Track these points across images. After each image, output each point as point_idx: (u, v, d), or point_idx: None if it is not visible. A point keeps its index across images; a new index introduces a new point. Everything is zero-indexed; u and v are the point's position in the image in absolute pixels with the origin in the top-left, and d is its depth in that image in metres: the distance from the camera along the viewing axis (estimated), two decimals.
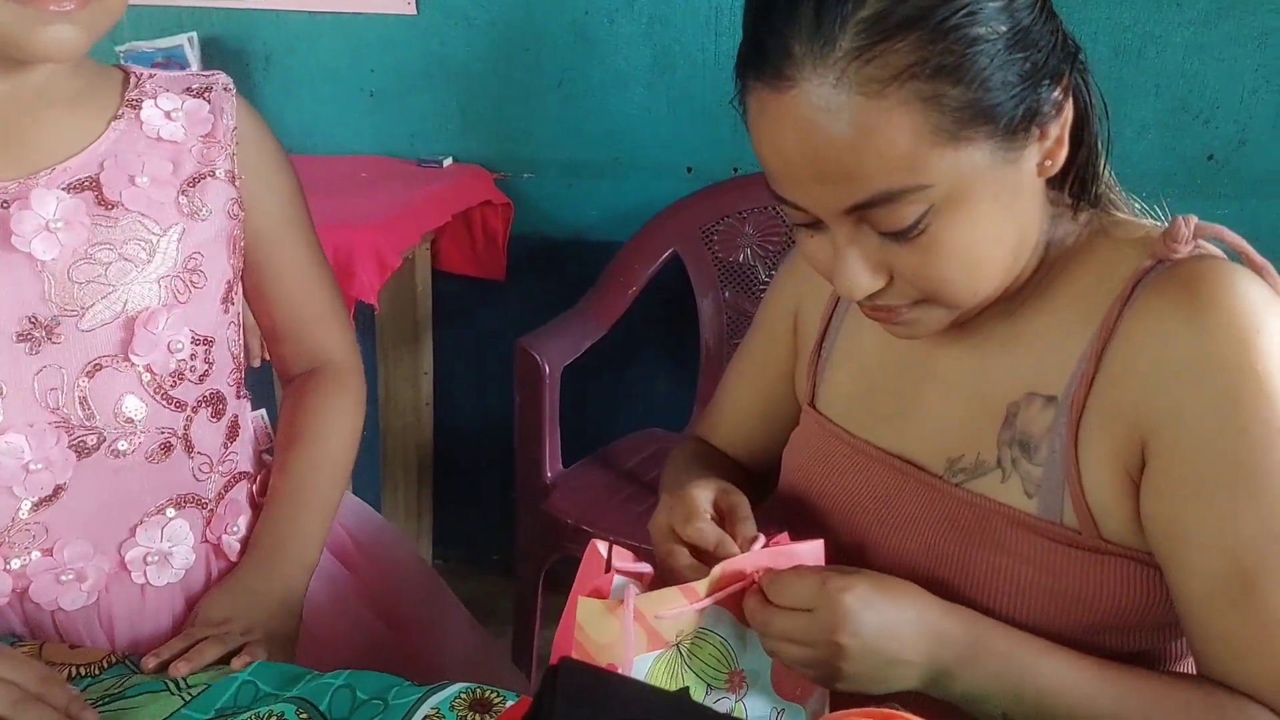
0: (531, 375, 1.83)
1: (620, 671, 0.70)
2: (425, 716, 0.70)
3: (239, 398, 0.95)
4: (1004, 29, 0.65)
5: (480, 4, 2.05)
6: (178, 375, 0.86)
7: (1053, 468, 0.74)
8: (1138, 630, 0.75)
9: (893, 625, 0.71)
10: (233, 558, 0.92)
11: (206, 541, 0.91)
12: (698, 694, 0.76)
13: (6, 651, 0.72)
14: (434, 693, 0.72)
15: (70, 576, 0.84)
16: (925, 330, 0.76)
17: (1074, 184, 0.77)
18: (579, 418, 1.99)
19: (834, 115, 0.65)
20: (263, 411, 1.02)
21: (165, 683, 0.74)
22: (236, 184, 0.90)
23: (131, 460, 0.85)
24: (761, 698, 0.78)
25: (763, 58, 0.67)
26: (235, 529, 0.93)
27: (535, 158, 2.13)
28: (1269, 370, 0.67)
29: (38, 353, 0.80)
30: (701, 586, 0.74)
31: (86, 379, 0.82)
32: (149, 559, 0.87)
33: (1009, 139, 0.67)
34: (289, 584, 0.88)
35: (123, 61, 2.15)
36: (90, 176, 0.83)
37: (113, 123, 0.86)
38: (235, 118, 0.90)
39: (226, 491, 0.93)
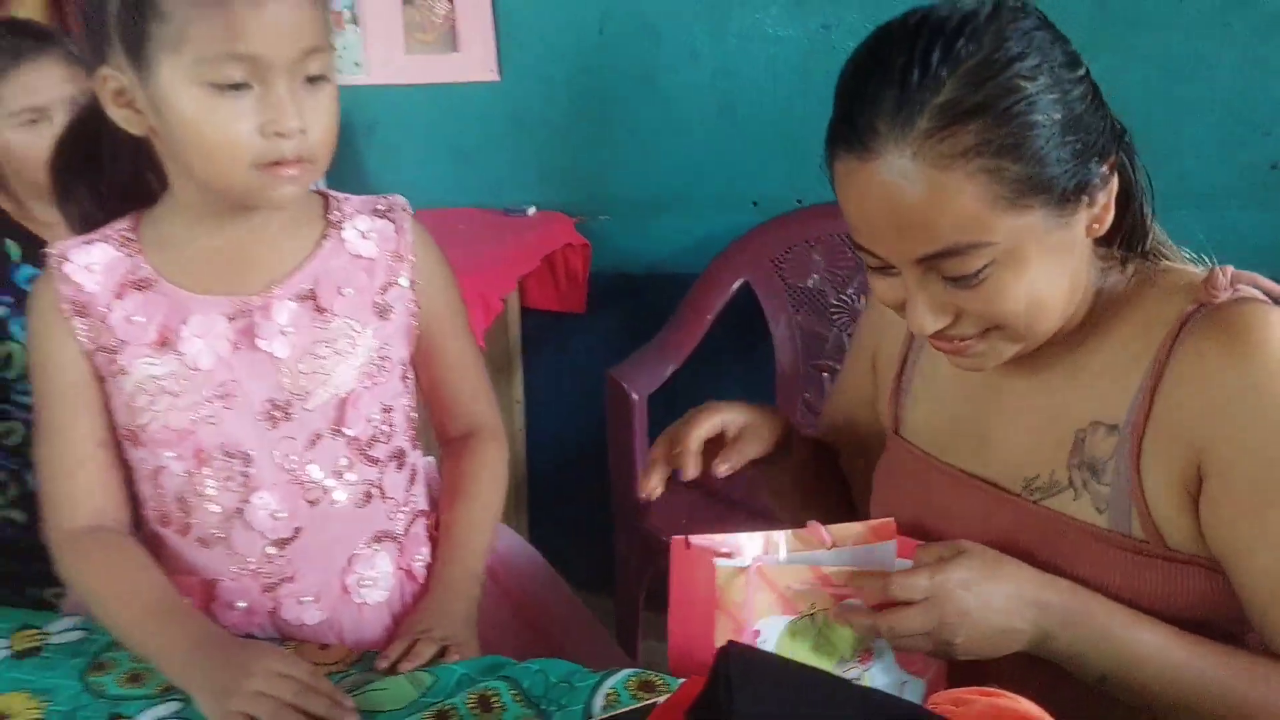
0: (621, 403, 2.00)
1: (747, 628, 0.84)
2: (605, 694, 0.87)
3: (414, 449, 1.13)
4: (1058, 116, 0.79)
5: (556, 66, 2.24)
6: (373, 439, 1.05)
7: (1118, 487, 0.86)
8: (1208, 629, 0.86)
9: (997, 600, 0.83)
10: (420, 580, 1.11)
11: (400, 569, 1.11)
12: (831, 662, 0.88)
13: (281, 651, 0.92)
14: (608, 677, 0.89)
15: (309, 599, 1.04)
16: (990, 362, 0.88)
17: (1122, 241, 0.91)
18: None
19: (910, 183, 0.78)
20: (431, 459, 1.21)
21: (401, 678, 0.92)
22: (414, 289, 1.08)
23: (344, 508, 1.04)
24: (887, 670, 0.89)
25: (852, 132, 0.80)
26: (420, 557, 1.12)
27: (611, 200, 2.31)
28: None
29: (276, 428, 1.00)
30: (833, 571, 0.86)
31: (310, 447, 1.01)
32: (363, 583, 1.07)
33: (1061, 206, 0.81)
34: (468, 608, 1.06)
35: None
36: (309, 289, 1.02)
37: (321, 242, 1.04)
38: (412, 234, 1.08)
39: (410, 527, 1.12)
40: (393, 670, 0.94)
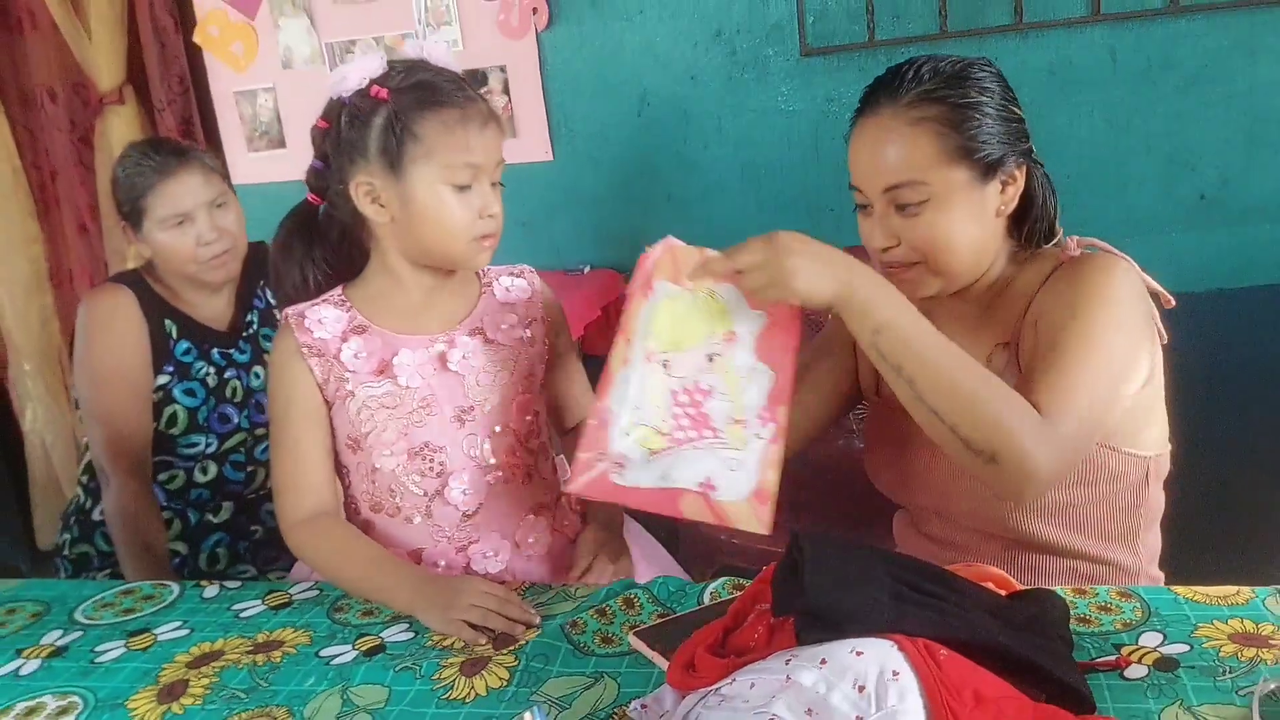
0: None
1: (651, 280, 1.16)
2: (710, 592, 1.20)
3: (549, 447, 1.47)
4: (990, 119, 1.21)
5: (601, 146, 2.61)
6: (529, 434, 1.39)
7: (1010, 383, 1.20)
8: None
9: (815, 243, 1.11)
10: (571, 537, 1.44)
11: (555, 530, 1.43)
12: (701, 334, 1.16)
13: (483, 579, 1.24)
14: (710, 583, 1.22)
15: (491, 554, 1.36)
16: (918, 290, 1.22)
17: (1027, 235, 1.28)
18: None
19: (892, 130, 1.20)
20: (562, 456, 1.52)
21: (567, 592, 1.26)
22: (545, 325, 1.43)
23: (513, 485, 1.38)
24: (745, 354, 1.16)
25: (864, 104, 1.24)
26: (568, 522, 1.46)
27: None
28: (1109, 287, 1.16)
29: (463, 427, 1.34)
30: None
31: (490, 439, 1.35)
32: (529, 540, 1.39)
33: (980, 177, 1.20)
34: (620, 533, 1.43)
35: None
36: (479, 326, 1.37)
37: (481, 294, 1.40)
38: (539, 287, 1.44)
39: (557, 501, 1.45)
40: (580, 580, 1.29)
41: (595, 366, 2.68)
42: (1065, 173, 2.33)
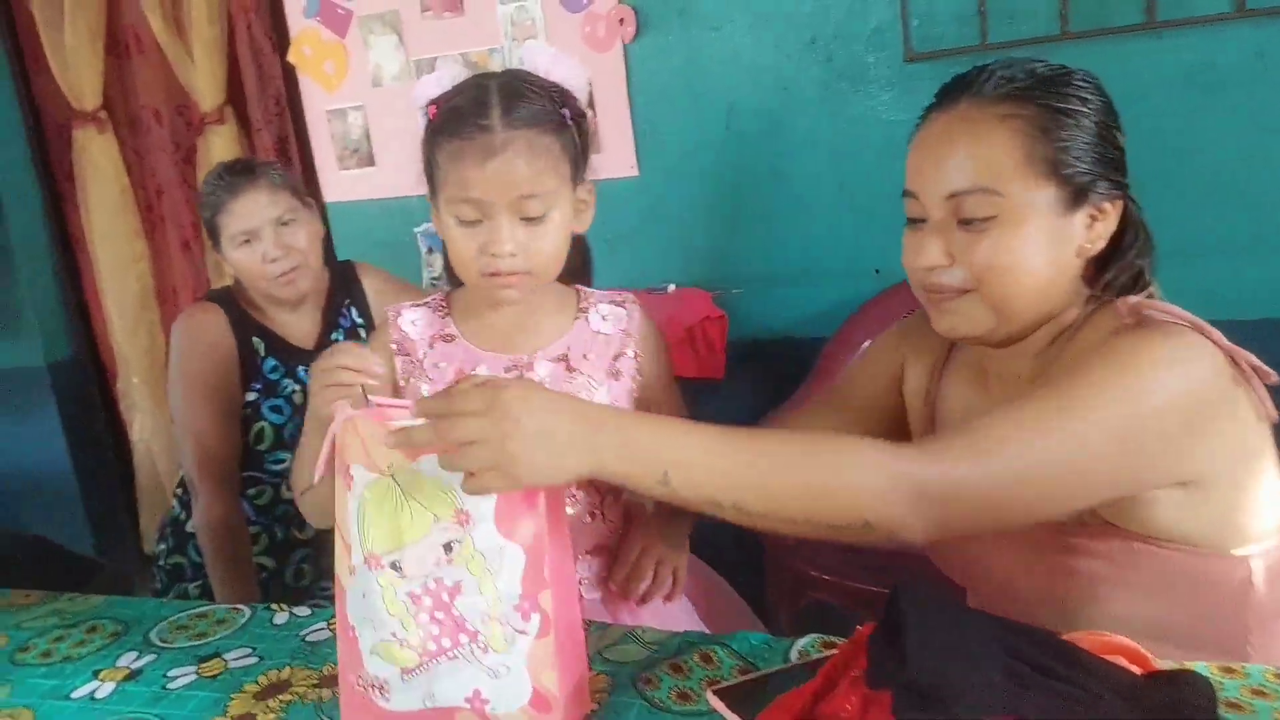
0: None
1: (346, 467, 0.96)
2: (799, 650, 1.08)
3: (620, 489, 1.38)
4: (1089, 134, 1.03)
5: (689, 160, 2.51)
6: None
7: None
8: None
9: (551, 411, 0.90)
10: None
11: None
12: (424, 522, 0.95)
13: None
14: (798, 640, 1.10)
15: None
16: (962, 326, 1.06)
17: (1107, 285, 1.07)
18: None
19: (968, 125, 1.03)
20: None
21: (631, 638, 1.17)
22: (636, 360, 1.34)
23: (571, 521, 1.29)
24: (486, 533, 0.95)
25: (941, 96, 1.09)
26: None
27: (742, 275, 2.55)
28: (1138, 354, 0.96)
29: None
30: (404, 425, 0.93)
31: None
32: (582, 582, 1.32)
33: (1065, 202, 1.02)
34: (679, 533, 1.35)
35: (419, 238, 2.72)
36: (562, 354, 1.30)
37: (575, 322, 1.33)
38: (637, 319, 1.35)
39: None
40: (624, 590, 1.23)
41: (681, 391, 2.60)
42: (1204, 187, 2.16)
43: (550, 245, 1.22)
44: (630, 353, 1.34)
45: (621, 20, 2.45)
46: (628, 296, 1.38)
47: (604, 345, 1.32)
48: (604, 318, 1.34)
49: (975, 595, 1.20)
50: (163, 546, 2.01)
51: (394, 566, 0.97)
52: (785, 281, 2.52)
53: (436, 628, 0.97)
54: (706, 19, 2.43)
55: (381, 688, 1.00)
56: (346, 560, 1.00)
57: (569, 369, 1.29)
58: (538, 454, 0.89)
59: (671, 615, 1.36)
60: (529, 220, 1.19)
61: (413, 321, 1.32)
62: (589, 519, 1.32)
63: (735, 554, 2.70)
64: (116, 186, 3.14)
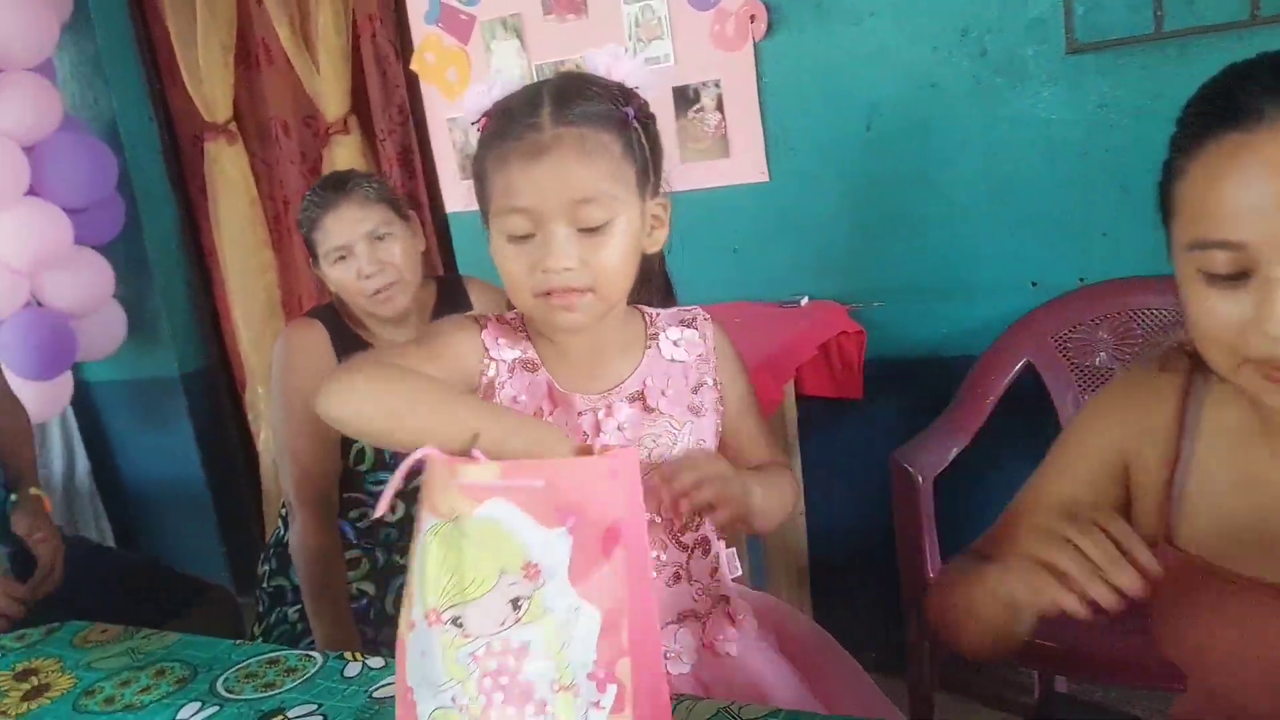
0: (906, 486, 2.02)
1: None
2: None
3: (717, 539, 1.22)
4: None
5: (824, 164, 2.34)
6: (684, 527, 1.16)
7: None
8: None
9: None
10: (723, 655, 1.18)
11: (704, 645, 1.19)
12: (491, 573, 0.84)
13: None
14: None
15: None
16: None
17: None
18: (951, 522, 2.14)
19: None
20: (733, 550, 1.26)
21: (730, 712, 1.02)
22: (718, 388, 1.20)
23: (655, 585, 1.14)
24: (559, 591, 0.84)
25: (1237, 108, 0.78)
26: (724, 636, 1.19)
27: (884, 287, 2.36)
28: None
29: None
30: (471, 474, 0.85)
31: None
32: (668, 655, 1.15)
33: None
34: (741, 480, 1.10)
35: None
36: (638, 392, 1.15)
37: (645, 353, 1.18)
38: (713, 338, 1.20)
39: (713, 609, 1.20)
40: (667, 475, 1.05)
41: (808, 409, 2.44)
42: None
43: (614, 258, 1.05)
44: (710, 381, 1.19)
45: (753, 17, 2.30)
46: (697, 313, 1.22)
47: (681, 377, 1.17)
48: (675, 343, 1.18)
49: (1206, 685, 0.97)
50: (265, 568, 1.97)
51: (455, 623, 0.86)
52: (931, 295, 2.32)
53: (500, 694, 0.85)
54: (846, 13, 2.25)
55: None
56: (409, 614, 0.90)
57: (646, 409, 1.14)
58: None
59: (772, 683, 1.18)
60: (588, 230, 1.03)
61: (498, 340, 1.17)
62: (674, 582, 1.17)
63: (869, 595, 2.53)
64: (246, 198, 3.16)
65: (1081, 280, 2.17)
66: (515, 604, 0.84)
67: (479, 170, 1.08)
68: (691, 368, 1.18)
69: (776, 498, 1.18)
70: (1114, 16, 2.05)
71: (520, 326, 1.18)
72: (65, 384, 3.07)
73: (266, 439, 3.30)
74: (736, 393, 1.23)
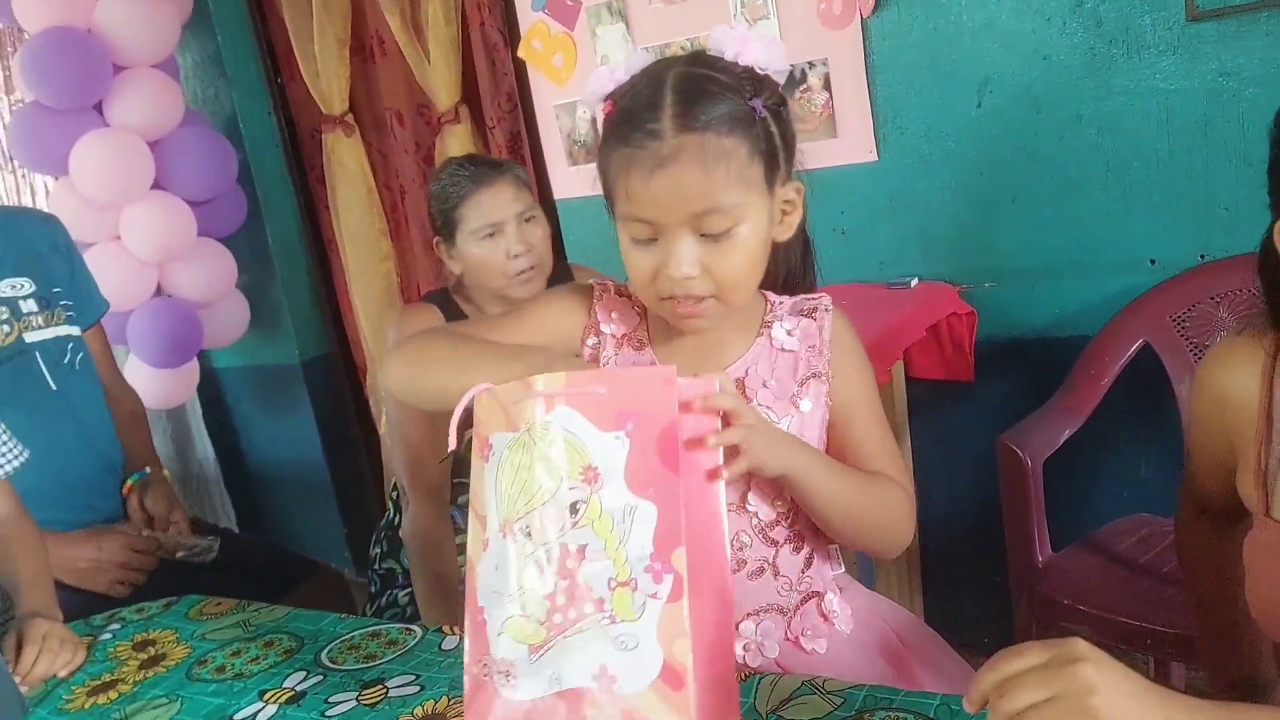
0: (1015, 469, 1.98)
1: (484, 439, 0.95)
2: None
3: (816, 535, 1.19)
4: None
5: (933, 143, 2.30)
6: (774, 522, 1.14)
7: None
8: None
9: (1131, 677, 0.75)
10: (809, 652, 1.17)
11: (788, 639, 1.18)
12: (553, 480, 0.90)
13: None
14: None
15: None
16: None
17: None
18: (1061, 505, 2.10)
19: None
20: (835, 547, 1.24)
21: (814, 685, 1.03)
22: (829, 381, 1.16)
23: (738, 577, 1.14)
24: (616, 490, 0.89)
25: None
26: (810, 631, 1.18)
27: (995, 267, 2.31)
28: None
29: None
30: (541, 382, 0.92)
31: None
32: (747, 647, 1.15)
33: None
34: (790, 443, 1.08)
35: None
36: (739, 379, 1.14)
37: (755, 340, 1.16)
38: (830, 329, 1.16)
39: (802, 605, 1.19)
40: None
41: (918, 390, 2.40)
42: None
43: (739, 264, 1.05)
44: (820, 375, 1.15)
45: None
46: (822, 301, 1.19)
47: (788, 367, 1.15)
48: (789, 332, 1.16)
49: None
50: (376, 551, 2.02)
51: (525, 532, 0.93)
52: (1044, 274, 2.27)
53: (564, 597, 0.91)
54: None
55: (508, 673, 0.93)
56: (481, 535, 0.96)
57: (745, 397, 1.12)
58: (1128, 716, 0.74)
59: (850, 659, 1.18)
60: (710, 237, 1.03)
61: (611, 314, 1.18)
62: (758, 575, 1.16)
63: (978, 578, 2.49)
64: (363, 187, 3.25)
65: (1202, 257, 2.09)
66: (573, 508, 0.90)
67: (603, 165, 1.07)
68: (801, 358, 1.15)
69: (854, 496, 1.12)
70: None
71: (637, 302, 1.19)
72: (192, 371, 3.21)
73: (388, 423, 3.39)
74: (848, 388, 1.18)
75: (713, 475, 0.94)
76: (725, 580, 0.93)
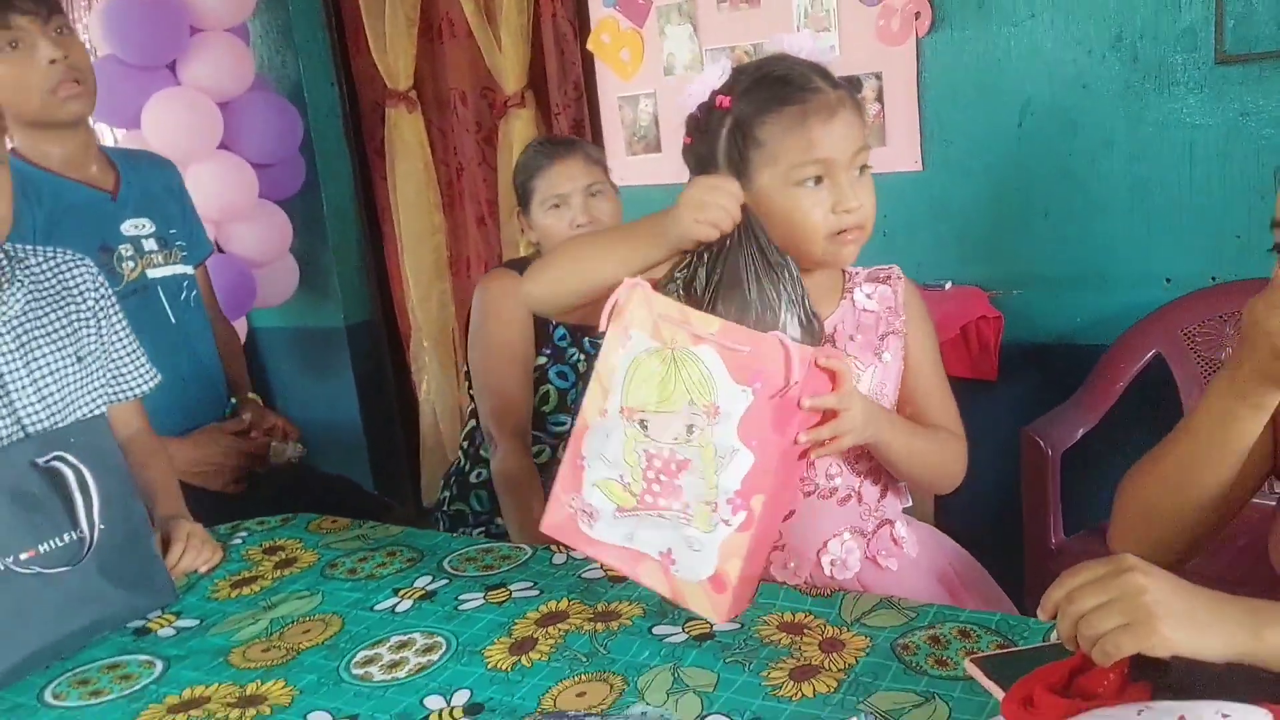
0: (1036, 457, 2.18)
1: (626, 328, 1.11)
2: (1046, 633, 1.09)
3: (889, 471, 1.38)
4: None
5: (975, 156, 2.50)
6: (859, 455, 1.32)
7: None
8: None
9: (1176, 580, 0.85)
10: (884, 569, 1.36)
11: (868, 558, 1.37)
12: (681, 401, 1.07)
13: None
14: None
15: (792, 564, 1.33)
16: None
17: None
18: (1074, 496, 2.29)
19: None
20: (904, 484, 1.42)
21: (890, 603, 1.21)
22: (904, 339, 1.35)
23: (828, 503, 1.33)
24: (728, 432, 1.05)
25: None
26: (885, 552, 1.38)
27: (1023, 275, 2.51)
28: None
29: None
30: (697, 319, 1.08)
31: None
32: (833, 564, 1.34)
33: None
34: (878, 415, 1.24)
35: None
36: (830, 335, 1.32)
37: (841, 301, 1.35)
38: (904, 294, 1.36)
39: (878, 529, 1.38)
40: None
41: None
42: None
43: (874, 197, 1.27)
44: (897, 332, 1.34)
45: (917, 14, 2.47)
46: (894, 271, 1.39)
47: (870, 325, 1.33)
48: (869, 295, 1.35)
49: None
50: (446, 494, 2.15)
51: (642, 425, 1.11)
52: (1067, 285, 2.47)
53: (659, 487, 1.10)
54: (1006, 14, 2.40)
55: (591, 514, 1.14)
56: (601, 403, 1.14)
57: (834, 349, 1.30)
58: (1178, 611, 0.83)
59: (925, 598, 1.34)
60: (861, 171, 1.24)
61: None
62: (845, 502, 1.34)
63: (993, 567, 2.66)
64: (421, 162, 3.39)
65: (1214, 279, 2.29)
66: (690, 429, 1.08)
67: (746, 131, 1.22)
68: (881, 318, 1.34)
69: (923, 450, 1.31)
70: (1263, 30, 2.18)
71: None
72: (241, 329, 3.32)
73: (429, 390, 3.54)
74: (919, 344, 1.38)
75: (803, 455, 1.13)
76: (777, 525, 1.14)
